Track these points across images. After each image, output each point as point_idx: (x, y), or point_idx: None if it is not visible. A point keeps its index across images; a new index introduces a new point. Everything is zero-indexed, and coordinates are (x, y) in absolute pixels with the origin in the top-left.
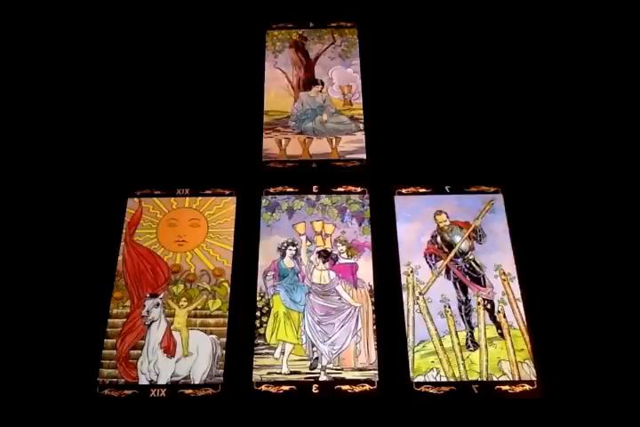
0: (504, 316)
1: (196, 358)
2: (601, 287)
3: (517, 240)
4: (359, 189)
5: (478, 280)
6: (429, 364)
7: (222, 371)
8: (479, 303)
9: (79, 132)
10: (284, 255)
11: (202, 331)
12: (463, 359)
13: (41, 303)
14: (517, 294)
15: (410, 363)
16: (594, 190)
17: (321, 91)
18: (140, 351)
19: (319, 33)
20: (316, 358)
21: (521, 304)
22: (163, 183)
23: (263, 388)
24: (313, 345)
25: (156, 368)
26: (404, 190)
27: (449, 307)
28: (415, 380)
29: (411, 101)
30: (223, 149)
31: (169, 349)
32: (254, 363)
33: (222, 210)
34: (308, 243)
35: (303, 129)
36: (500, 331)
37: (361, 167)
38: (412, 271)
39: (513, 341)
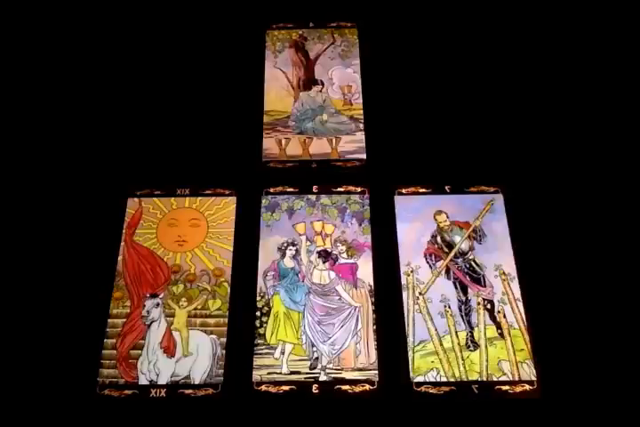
0: (504, 316)
1: (196, 358)
2: (601, 287)
3: (517, 240)
4: (359, 189)
5: (478, 280)
6: (429, 364)
7: (222, 371)
8: (479, 303)
9: (79, 132)
10: (284, 255)
11: (202, 331)
12: (463, 359)
13: (41, 303)
14: (517, 294)
15: (410, 363)
16: (594, 190)
17: (321, 91)
18: (140, 351)
19: (319, 33)
20: (316, 358)
21: (521, 304)
22: (163, 183)
23: (263, 388)
24: (313, 345)
25: (156, 368)
26: (404, 190)
27: (449, 307)
28: (415, 380)
29: (411, 102)
30: (223, 149)
31: (169, 349)
32: (254, 363)
33: (222, 210)
34: (308, 243)
35: (303, 129)
36: (500, 331)
37: (361, 167)
38: (412, 271)
39: (513, 341)
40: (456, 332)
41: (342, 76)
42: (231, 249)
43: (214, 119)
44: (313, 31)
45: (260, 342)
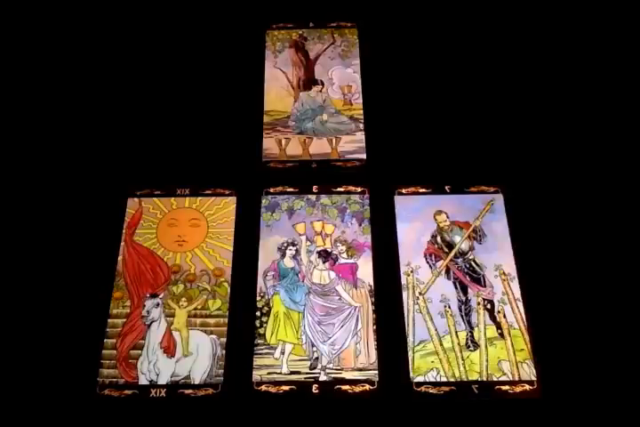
0: (504, 316)
1: (196, 358)
2: (601, 287)
3: (517, 240)
4: (359, 189)
5: (478, 280)
6: (429, 364)
7: (222, 371)
8: (479, 303)
9: (79, 132)
10: (284, 255)
11: (202, 331)
12: (463, 359)
13: (41, 303)
14: (517, 294)
15: (410, 363)
16: (594, 190)
17: (321, 91)
18: (140, 351)
19: (319, 33)
20: (316, 358)
21: (521, 304)
22: (163, 183)
23: (263, 388)
24: (313, 345)
25: (156, 368)
26: (404, 190)
27: (449, 307)
28: (415, 380)
29: (411, 101)
30: (223, 149)
31: (169, 349)
32: (254, 363)
33: (222, 210)
34: (308, 243)
35: (303, 129)
36: (500, 331)
37: (361, 167)
38: (411, 271)
39: (513, 341)
40: (456, 332)
41: (342, 76)
42: (231, 249)
43: (214, 119)
44: (313, 31)
45: (260, 342)
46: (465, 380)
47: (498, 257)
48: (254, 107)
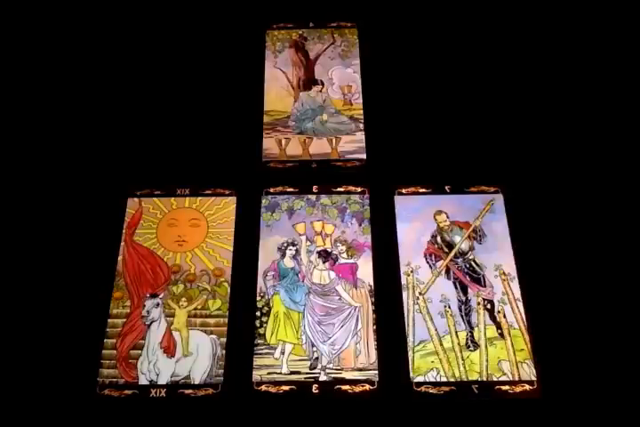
0: (504, 316)
1: (196, 358)
2: (601, 287)
3: (517, 240)
4: (359, 189)
5: (478, 280)
6: (429, 364)
7: (222, 371)
8: (479, 303)
9: (79, 132)
10: (284, 255)
11: (202, 331)
12: (463, 359)
13: (41, 303)
14: (517, 294)
15: (410, 363)
16: (594, 190)
17: (321, 91)
18: (140, 351)
19: (319, 33)
20: (316, 358)
21: (521, 304)
22: (163, 183)
23: (263, 388)
24: (313, 345)
25: (156, 368)
26: (404, 190)
27: (449, 307)
28: (415, 380)
29: (411, 101)
30: (223, 149)
31: (169, 349)
32: (254, 363)
33: (222, 210)
34: (308, 243)
35: (303, 129)
36: (500, 331)
37: (361, 167)
38: (411, 271)
39: (513, 341)
40: (456, 332)
41: (342, 76)
42: (231, 249)
43: (214, 119)
44: (313, 31)
45: (260, 342)
46: (465, 380)
47: (498, 257)
48: (254, 107)
